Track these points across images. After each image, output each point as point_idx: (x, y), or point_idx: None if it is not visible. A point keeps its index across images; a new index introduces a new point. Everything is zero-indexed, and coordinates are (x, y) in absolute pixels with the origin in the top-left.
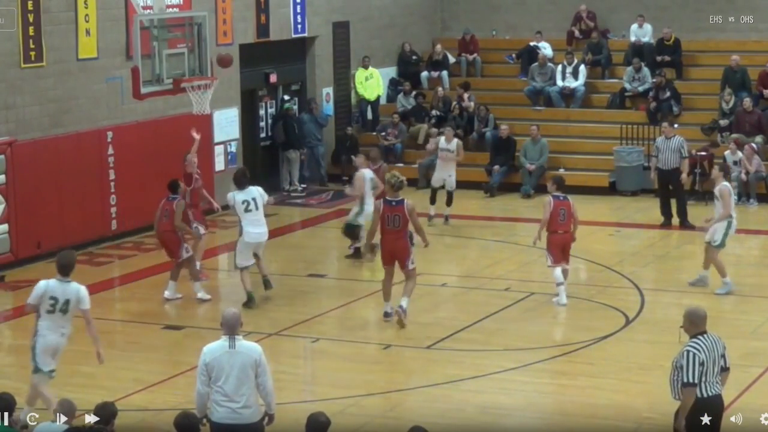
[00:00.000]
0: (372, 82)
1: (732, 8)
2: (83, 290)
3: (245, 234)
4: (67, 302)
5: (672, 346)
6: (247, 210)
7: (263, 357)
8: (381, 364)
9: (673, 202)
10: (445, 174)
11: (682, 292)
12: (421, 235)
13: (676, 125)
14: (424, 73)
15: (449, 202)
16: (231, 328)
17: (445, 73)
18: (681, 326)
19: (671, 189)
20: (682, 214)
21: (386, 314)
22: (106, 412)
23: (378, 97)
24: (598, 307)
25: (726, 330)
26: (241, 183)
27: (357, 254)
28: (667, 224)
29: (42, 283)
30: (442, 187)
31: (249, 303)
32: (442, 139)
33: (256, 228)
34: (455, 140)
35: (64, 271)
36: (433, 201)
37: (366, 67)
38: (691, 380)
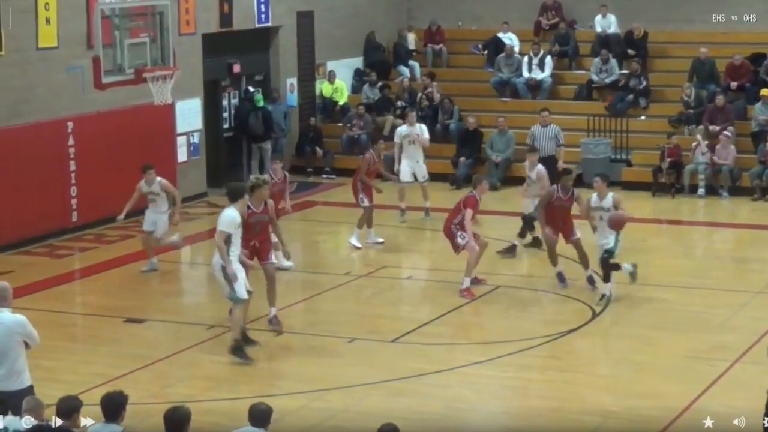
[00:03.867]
0: (338, 93)
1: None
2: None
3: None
4: None
5: (638, 340)
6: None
7: (28, 327)
8: (345, 357)
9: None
10: (412, 161)
11: (648, 286)
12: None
13: (547, 112)
14: (403, 68)
15: (426, 195)
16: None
17: (415, 63)
18: None
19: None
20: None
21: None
22: (69, 406)
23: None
24: (565, 300)
25: (693, 324)
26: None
27: (536, 243)
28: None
29: None
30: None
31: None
32: (404, 126)
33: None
34: (418, 125)
35: None
36: (402, 197)
37: (332, 82)
38: None
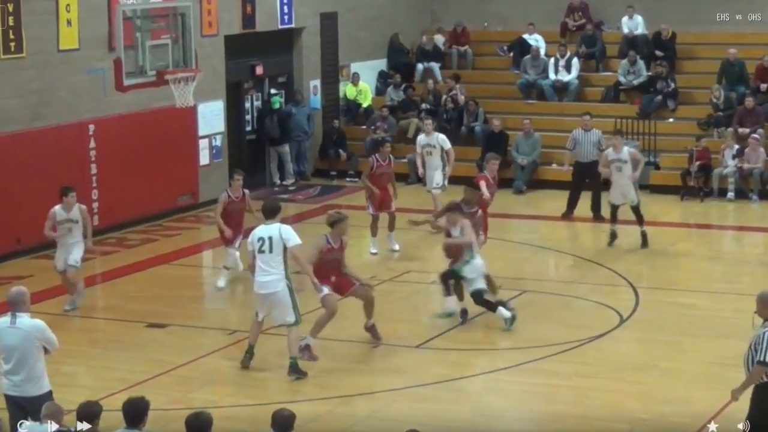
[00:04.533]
0: (362, 96)
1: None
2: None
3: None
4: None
5: (667, 346)
6: (260, 251)
7: (47, 332)
8: (369, 363)
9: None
10: (431, 171)
11: (677, 291)
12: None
13: (588, 116)
14: (419, 66)
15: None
16: (14, 305)
17: (436, 65)
18: (755, 311)
19: (587, 182)
20: (596, 207)
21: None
22: (90, 412)
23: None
24: (592, 305)
25: (723, 329)
26: (266, 214)
27: None
28: (569, 215)
29: None
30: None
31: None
32: (422, 136)
33: (261, 275)
34: (436, 134)
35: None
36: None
37: (356, 84)
38: (764, 359)
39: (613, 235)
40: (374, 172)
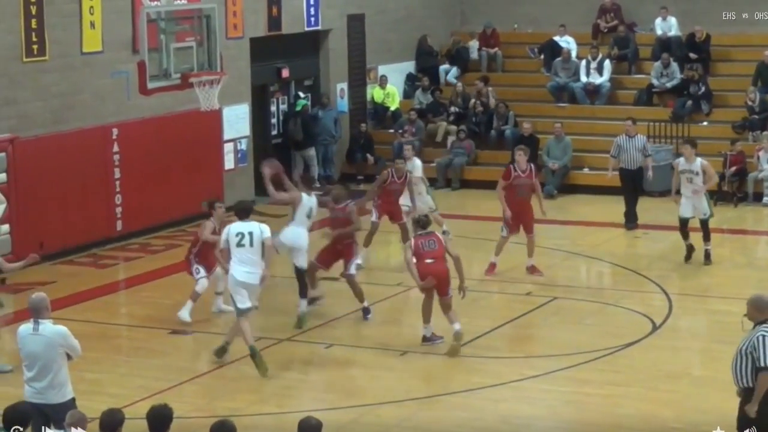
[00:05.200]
0: (390, 99)
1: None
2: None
3: (232, 271)
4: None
5: (700, 354)
6: (239, 245)
7: (70, 338)
8: (397, 371)
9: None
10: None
11: (711, 297)
12: None
13: (631, 122)
14: (443, 67)
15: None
16: (36, 312)
17: (453, 68)
18: (744, 315)
19: (635, 189)
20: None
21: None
22: (113, 420)
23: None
24: (624, 312)
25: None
26: (242, 214)
27: None
28: (632, 227)
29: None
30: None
31: (254, 357)
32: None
33: (243, 266)
34: (414, 159)
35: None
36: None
37: (383, 87)
38: (766, 364)
39: (690, 249)
40: (386, 186)
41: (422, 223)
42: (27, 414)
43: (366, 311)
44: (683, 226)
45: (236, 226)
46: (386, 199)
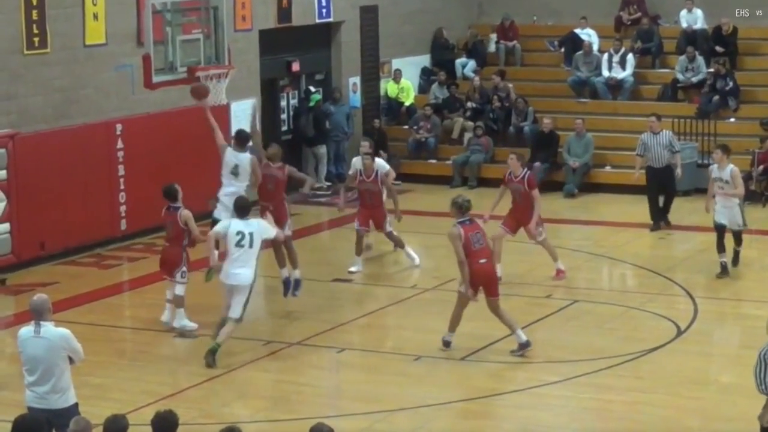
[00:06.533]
0: (405, 94)
1: None
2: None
3: (222, 276)
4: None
5: (727, 359)
6: (239, 244)
7: (73, 341)
8: (411, 376)
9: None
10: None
11: (738, 301)
12: None
13: (654, 118)
14: (460, 60)
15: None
16: (37, 314)
17: (470, 62)
18: None
19: (662, 188)
20: (664, 212)
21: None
22: (117, 426)
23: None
24: (648, 316)
25: None
26: (242, 212)
27: None
28: (657, 228)
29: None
30: None
31: (212, 350)
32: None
33: (235, 268)
34: (377, 159)
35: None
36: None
37: (398, 81)
38: None
39: (725, 268)
40: (359, 186)
41: (464, 207)
42: (39, 423)
43: (288, 284)
44: (720, 236)
45: (236, 225)
46: (362, 202)
